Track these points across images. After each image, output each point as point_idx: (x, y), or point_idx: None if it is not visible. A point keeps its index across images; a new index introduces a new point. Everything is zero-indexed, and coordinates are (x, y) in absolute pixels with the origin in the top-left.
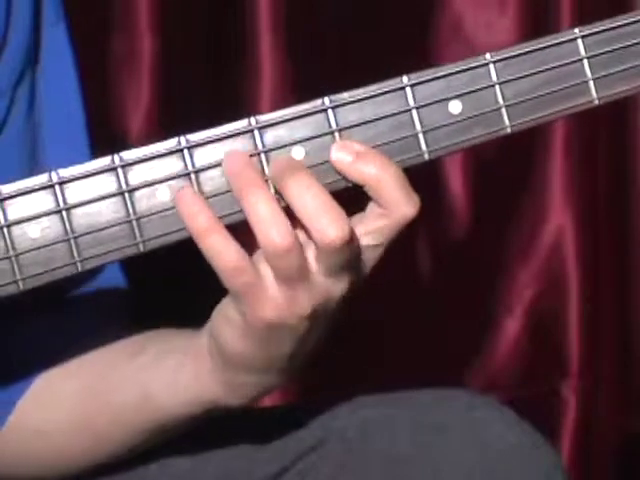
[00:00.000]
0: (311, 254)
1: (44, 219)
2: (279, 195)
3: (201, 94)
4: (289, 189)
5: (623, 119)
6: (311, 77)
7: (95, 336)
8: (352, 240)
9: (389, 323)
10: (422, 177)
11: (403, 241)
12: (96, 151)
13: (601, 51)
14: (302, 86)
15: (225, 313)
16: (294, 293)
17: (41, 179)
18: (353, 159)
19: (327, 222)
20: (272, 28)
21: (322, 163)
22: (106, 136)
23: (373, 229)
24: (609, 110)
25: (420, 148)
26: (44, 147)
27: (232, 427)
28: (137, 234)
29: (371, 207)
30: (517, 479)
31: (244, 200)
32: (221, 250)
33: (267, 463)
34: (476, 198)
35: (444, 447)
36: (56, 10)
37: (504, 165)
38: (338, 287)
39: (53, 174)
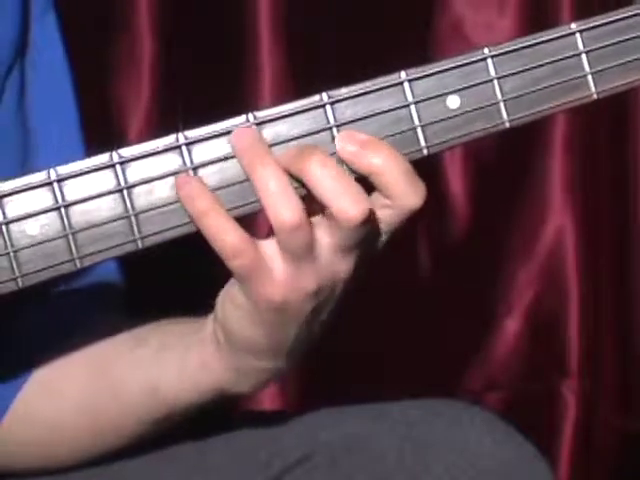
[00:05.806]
0: (320, 231)
1: (43, 216)
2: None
3: (201, 94)
4: (308, 169)
5: (623, 119)
6: (311, 77)
7: (94, 329)
8: (370, 219)
9: (389, 322)
10: (422, 177)
11: (403, 241)
12: (96, 151)
13: (599, 45)
14: (302, 86)
15: (231, 297)
16: (300, 271)
17: (39, 176)
18: (358, 149)
19: (350, 200)
20: (272, 27)
21: None
22: (106, 136)
23: (378, 218)
24: (609, 110)
25: (419, 143)
26: (35, 139)
27: (218, 442)
28: (136, 230)
29: (376, 196)
30: None
31: (253, 175)
32: (221, 231)
33: (252, 477)
34: (476, 198)
35: (431, 466)
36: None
37: (504, 165)
38: (343, 267)
39: (51, 171)
